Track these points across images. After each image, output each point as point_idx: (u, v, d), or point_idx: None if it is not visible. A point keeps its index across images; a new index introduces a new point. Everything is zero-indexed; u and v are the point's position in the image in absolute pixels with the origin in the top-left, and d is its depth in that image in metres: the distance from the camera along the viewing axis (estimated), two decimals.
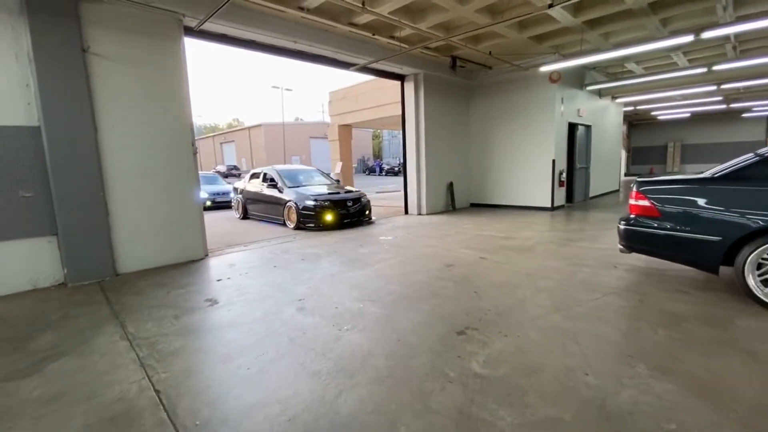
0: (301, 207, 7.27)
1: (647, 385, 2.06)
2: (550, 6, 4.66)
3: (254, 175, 9.10)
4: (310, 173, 8.92)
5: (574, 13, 6.42)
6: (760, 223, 2.93)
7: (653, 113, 17.26)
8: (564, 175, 9.14)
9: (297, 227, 7.37)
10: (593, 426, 1.76)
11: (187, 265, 5.00)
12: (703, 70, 8.33)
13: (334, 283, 4.03)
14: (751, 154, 3.29)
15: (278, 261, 5.06)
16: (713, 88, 10.47)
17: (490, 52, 7.83)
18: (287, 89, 51.68)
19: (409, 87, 8.69)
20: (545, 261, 4.65)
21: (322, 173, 9.27)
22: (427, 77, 8.51)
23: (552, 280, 3.89)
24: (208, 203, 11.36)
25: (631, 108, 14.42)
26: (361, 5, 5.26)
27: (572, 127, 9.58)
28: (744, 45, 8.89)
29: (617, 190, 13.07)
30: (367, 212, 7.95)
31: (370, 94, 13.38)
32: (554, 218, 7.95)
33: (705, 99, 13.43)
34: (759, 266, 3.03)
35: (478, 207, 10.01)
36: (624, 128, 22.13)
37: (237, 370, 2.37)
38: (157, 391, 2.16)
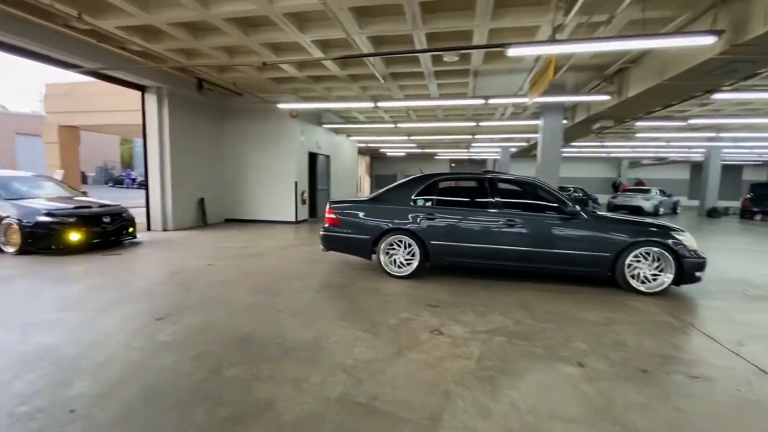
0: (30, 224, 5.86)
1: (281, 323, 3.34)
2: (264, 64, 6.03)
3: None
4: (38, 182, 7.21)
5: (299, 69, 8.21)
6: (384, 227, 5.02)
7: (381, 150, 22.59)
8: (306, 194, 11.02)
9: (21, 251, 5.86)
10: (230, 349, 2.82)
11: None
12: (392, 125, 12.06)
13: (32, 300, 3.82)
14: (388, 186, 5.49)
15: None
16: (406, 137, 15.08)
17: (234, 83, 8.77)
18: None
19: (151, 99, 8.50)
20: (268, 262, 5.84)
21: (57, 182, 7.71)
22: (172, 92, 8.57)
23: (263, 275, 5.05)
24: None
25: (363, 145, 18.50)
26: (77, 15, 5.14)
27: (313, 156, 11.70)
28: (418, 113, 13.37)
29: None
30: (131, 229, 7.03)
31: (106, 97, 11.80)
32: (296, 230, 9.54)
33: (408, 144, 18.92)
34: (387, 252, 5.10)
35: (233, 222, 10.63)
36: (368, 159, 27.74)
37: None
38: None
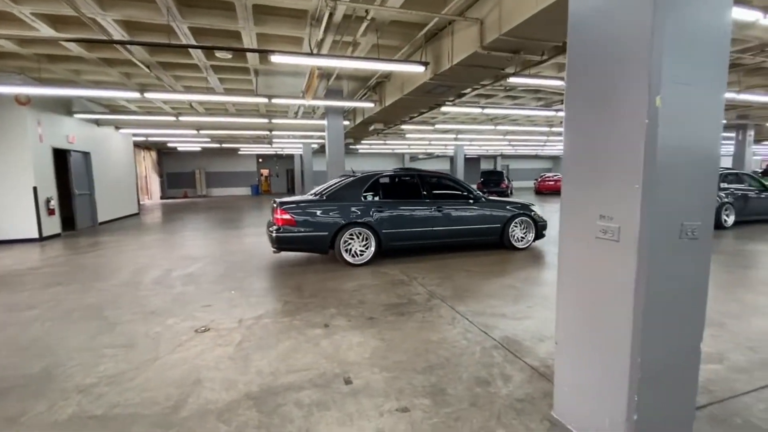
0: None
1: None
2: None
3: None
4: None
5: (22, 44, 6.42)
6: (342, 222, 5.41)
7: (170, 144, 19.89)
8: (54, 202, 8.75)
9: None
10: None
11: None
12: (173, 119, 10.89)
13: None
14: (335, 183, 5.79)
15: None
16: (195, 131, 13.84)
17: None
18: None
19: None
20: None
21: None
22: None
23: None
24: None
25: (142, 138, 15.87)
26: None
27: (62, 153, 9.35)
28: (205, 106, 12.42)
29: (137, 214, 14.06)
30: None
31: None
32: (42, 249, 7.51)
33: (201, 138, 17.31)
34: (345, 242, 5.43)
35: None
36: (154, 155, 23.89)
37: None
38: None
